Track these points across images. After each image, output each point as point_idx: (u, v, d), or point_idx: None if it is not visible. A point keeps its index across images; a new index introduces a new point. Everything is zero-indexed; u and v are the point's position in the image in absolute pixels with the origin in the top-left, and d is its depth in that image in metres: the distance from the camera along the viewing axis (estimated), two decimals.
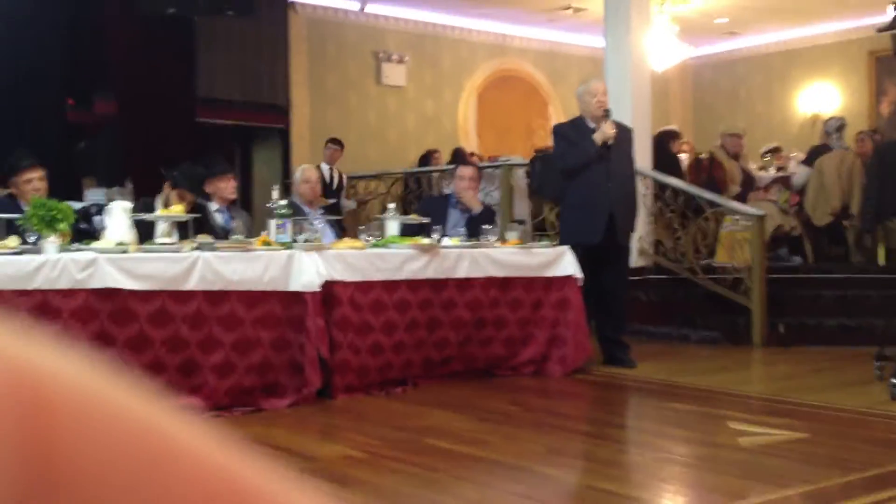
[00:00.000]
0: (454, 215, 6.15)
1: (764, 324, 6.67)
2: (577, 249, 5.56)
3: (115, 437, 0.24)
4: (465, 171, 6.29)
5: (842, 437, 3.78)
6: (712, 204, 7.31)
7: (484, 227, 5.62)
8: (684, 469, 3.48)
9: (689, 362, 6.05)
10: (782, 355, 6.28)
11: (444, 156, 9.96)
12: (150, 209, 5.07)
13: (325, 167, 8.93)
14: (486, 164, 8.49)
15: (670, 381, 5.26)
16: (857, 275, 7.33)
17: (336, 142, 9.35)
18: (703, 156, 8.49)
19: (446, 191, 6.66)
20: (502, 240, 5.72)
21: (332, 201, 8.37)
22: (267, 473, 0.26)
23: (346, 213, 8.71)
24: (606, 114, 5.66)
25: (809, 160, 8.14)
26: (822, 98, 11.92)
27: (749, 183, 8.31)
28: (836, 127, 8.13)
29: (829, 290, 7.10)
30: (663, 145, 8.41)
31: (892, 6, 5.24)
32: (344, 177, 9.30)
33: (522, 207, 7.97)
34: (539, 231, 7.57)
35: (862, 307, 6.78)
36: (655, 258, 7.66)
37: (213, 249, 4.44)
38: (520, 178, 7.99)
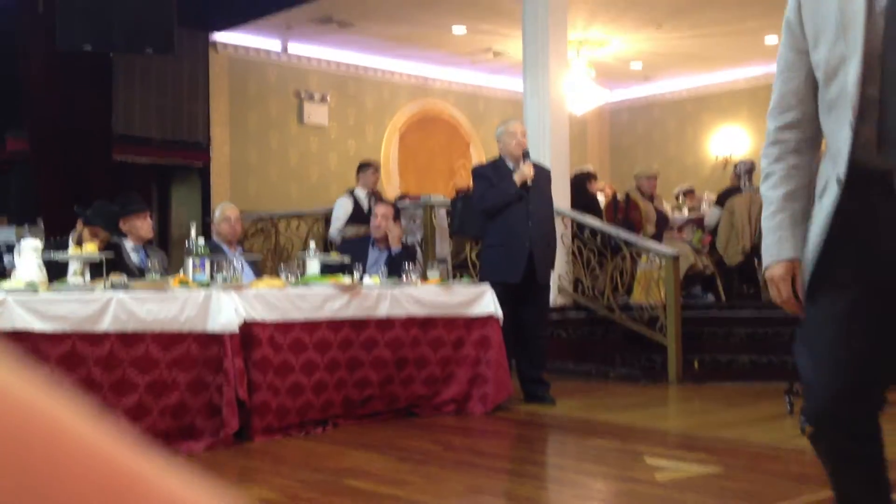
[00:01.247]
0: (374, 254, 6.16)
1: (679, 361, 6.81)
2: (497, 287, 5.62)
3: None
4: (378, 209, 6.32)
5: (754, 471, 3.87)
6: (629, 243, 7.46)
7: (405, 265, 5.64)
8: None
9: (607, 399, 6.12)
10: (697, 391, 6.41)
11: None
12: (63, 248, 4.94)
13: (361, 193, 7.91)
14: (407, 203, 8.52)
15: (589, 417, 5.31)
16: (767, 312, 7.55)
17: (372, 165, 8.13)
18: (620, 197, 8.68)
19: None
20: (423, 278, 5.74)
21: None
22: (154, 465, 0.26)
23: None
24: (525, 154, 5.77)
25: (721, 201, 8.40)
26: (733, 141, 12.33)
27: (663, 223, 8.52)
28: (746, 169, 8.41)
29: (741, 327, 7.30)
30: (581, 186, 8.59)
31: None
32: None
33: (444, 246, 8.01)
34: (461, 269, 7.62)
35: (772, 344, 6.97)
36: (574, 296, 7.78)
37: (127, 289, 4.35)
38: (441, 218, 8.04)
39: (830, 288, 1.91)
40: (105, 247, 5.06)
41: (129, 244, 5.56)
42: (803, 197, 2.01)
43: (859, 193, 1.87)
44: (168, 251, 8.24)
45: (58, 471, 0.24)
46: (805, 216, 2.01)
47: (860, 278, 1.89)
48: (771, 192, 2.05)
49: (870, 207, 1.89)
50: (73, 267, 4.59)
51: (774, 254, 2.01)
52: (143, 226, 5.65)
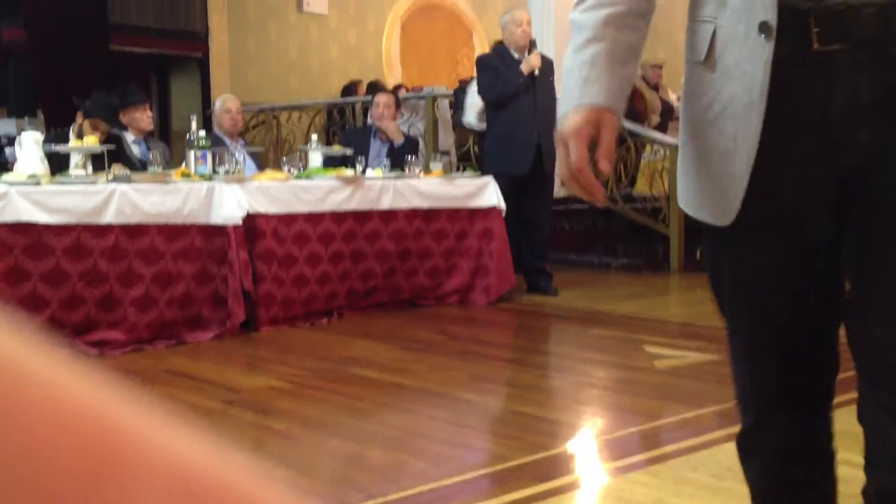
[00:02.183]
0: (376, 146, 6.12)
1: (681, 251, 6.84)
2: (502, 180, 5.60)
3: None
4: (380, 98, 6.23)
5: None
6: (633, 134, 7.40)
7: (408, 157, 5.61)
8: (603, 392, 3.59)
9: (609, 289, 6.19)
10: (698, 281, 6.46)
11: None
12: (63, 140, 4.91)
13: None
14: (410, 94, 8.42)
15: (591, 308, 5.38)
16: None
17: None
18: None
19: (368, 122, 6.59)
20: (426, 171, 5.72)
21: None
22: (140, 412, 0.23)
23: None
24: (532, 44, 5.67)
25: None
26: None
27: (668, 113, 8.43)
28: None
29: None
30: None
31: None
32: None
33: (447, 138, 7.95)
34: (464, 161, 7.58)
35: None
36: None
37: (130, 182, 4.34)
38: (444, 109, 7.95)
39: (765, 219, 1.24)
40: (106, 139, 5.02)
41: (129, 137, 5.52)
42: (638, 27, 1.30)
43: (788, 55, 1.16)
44: (169, 144, 8.19)
45: (37, 427, 0.21)
46: (636, 55, 1.30)
47: (797, 203, 1.23)
48: (584, 15, 1.29)
49: (798, 79, 1.18)
50: (75, 159, 4.57)
51: (575, 97, 1.27)
52: (143, 118, 5.60)
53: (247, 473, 0.24)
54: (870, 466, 1.23)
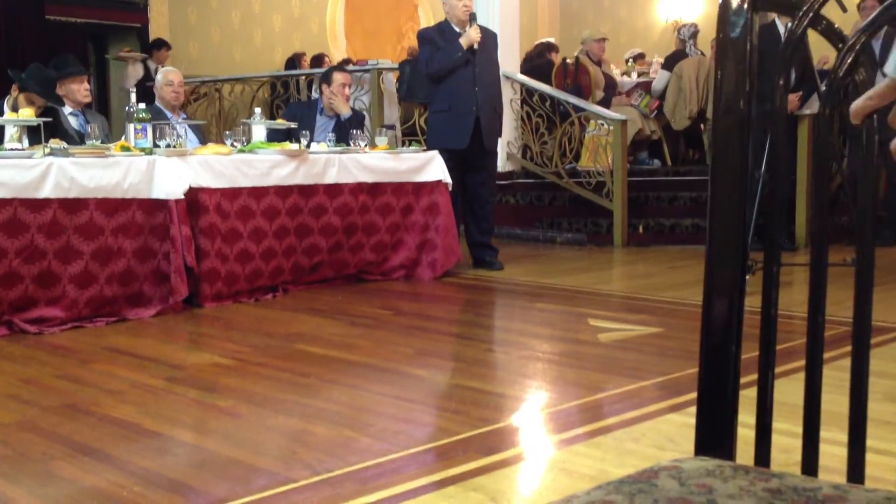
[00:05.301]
0: (322, 121, 6.06)
1: (625, 225, 6.93)
2: (444, 154, 5.61)
3: None
4: (337, 76, 6.14)
5: (693, 331, 3.99)
6: (577, 109, 7.44)
7: (353, 132, 5.57)
8: (547, 365, 3.63)
9: (554, 264, 6.24)
10: (641, 255, 6.56)
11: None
12: None
13: None
14: (355, 67, 8.34)
15: (536, 282, 5.42)
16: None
17: None
18: (569, 60, 8.59)
19: (314, 96, 6.51)
20: (372, 145, 5.69)
21: None
22: None
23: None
24: (472, 18, 5.68)
25: (668, 65, 8.36)
26: (683, 5, 12.18)
27: (612, 88, 8.48)
28: (691, 34, 8.36)
29: (686, 191, 7.41)
30: (543, 56, 8.55)
31: None
32: None
33: (392, 112, 7.91)
34: (409, 135, 7.55)
35: None
36: (523, 162, 7.79)
37: (68, 155, 4.24)
38: (389, 83, 7.90)
39: None
40: (42, 113, 4.89)
41: (66, 109, 5.39)
42: None
43: None
44: (108, 117, 8.02)
45: None
46: None
47: None
48: None
49: None
50: (10, 132, 4.45)
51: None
52: (80, 89, 5.47)
53: None
54: None
